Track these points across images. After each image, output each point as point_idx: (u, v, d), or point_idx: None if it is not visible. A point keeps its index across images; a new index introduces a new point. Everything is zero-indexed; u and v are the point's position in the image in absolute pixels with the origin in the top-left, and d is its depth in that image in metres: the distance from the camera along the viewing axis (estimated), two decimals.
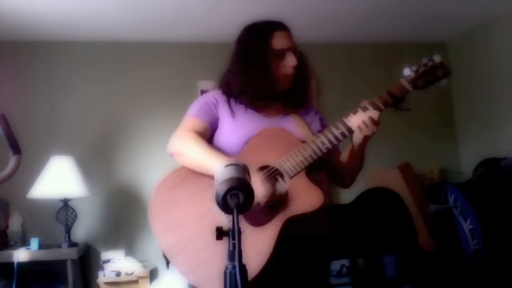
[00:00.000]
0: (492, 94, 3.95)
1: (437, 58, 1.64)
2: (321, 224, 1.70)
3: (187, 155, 1.65)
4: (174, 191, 1.64)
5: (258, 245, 1.50)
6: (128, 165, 3.89)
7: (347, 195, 3.86)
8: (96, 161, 3.81)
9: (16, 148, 2.59)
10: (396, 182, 3.63)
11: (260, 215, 1.54)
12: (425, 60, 1.64)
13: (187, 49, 4.06)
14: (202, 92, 3.94)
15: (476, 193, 3.46)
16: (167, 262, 1.60)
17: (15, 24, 3.54)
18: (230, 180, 1.17)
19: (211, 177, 1.58)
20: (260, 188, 1.52)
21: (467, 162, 4.17)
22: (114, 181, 3.86)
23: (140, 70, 4.00)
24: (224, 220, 1.55)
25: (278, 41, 1.71)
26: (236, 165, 1.25)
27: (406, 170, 3.71)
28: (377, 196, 3.47)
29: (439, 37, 4.32)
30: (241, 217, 1.51)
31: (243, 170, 1.24)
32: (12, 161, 2.58)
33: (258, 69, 1.68)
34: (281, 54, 1.70)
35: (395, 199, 3.43)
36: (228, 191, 1.14)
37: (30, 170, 3.33)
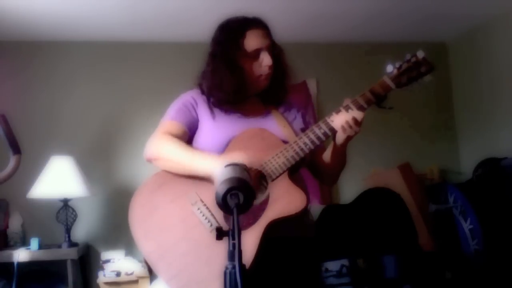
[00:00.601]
0: (492, 94, 3.95)
1: (420, 54, 1.59)
2: (305, 224, 1.68)
3: (167, 158, 1.62)
4: (154, 196, 1.61)
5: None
6: (128, 165, 3.89)
7: (347, 195, 3.86)
8: (96, 161, 3.81)
9: (16, 148, 2.59)
10: (396, 182, 3.62)
11: (244, 218, 1.51)
12: (408, 56, 1.60)
13: (187, 49, 4.05)
14: None
15: (476, 193, 3.46)
16: (149, 269, 1.58)
17: (15, 24, 3.54)
18: (230, 180, 1.17)
19: (193, 180, 1.57)
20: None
21: (467, 162, 4.17)
22: (114, 181, 3.85)
23: (140, 70, 4.00)
24: (206, 224, 1.53)
25: (251, 41, 1.66)
26: (236, 165, 1.25)
27: (406, 170, 3.71)
28: (377, 196, 3.47)
29: (439, 37, 4.32)
30: (223, 220, 1.50)
31: (243, 170, 1.24)
32: (12, 161, 2.58)
33: (227, 73, 1.65)
34: (254, 55, 1.66)
35: (395, 199, 3.43)
36: (228, 191, 1.14)
37: (30, 170, 3.33)
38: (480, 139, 4.08)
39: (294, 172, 1.61)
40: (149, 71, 4.01)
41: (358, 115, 1.56)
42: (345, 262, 3.51)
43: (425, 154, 4.19)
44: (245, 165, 1.28)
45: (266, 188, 1.56)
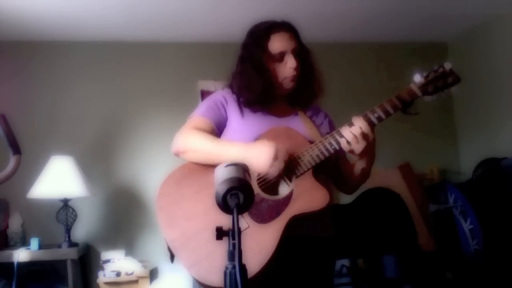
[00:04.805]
0: (492, 94, 3.95)
1: (447, 65, 1.65)
2: (326, 224, 1.70)
3: (195, 149, 1.65)
4: (180, 186, 1.65)
5: (262, 241, 1.52)
6: (128, 165, 3.89)
7: (347, 195, 3.86)
8: (96, 161, 3.81)
9: (16, 148, 2.59)
10: (396, 182, 3.63)
11: (266, 212, 1.55)
12: (435, 67, 1.66)
13: (187, 49, 4.06)
14: (202, 92, 3.94)
15: (476, 193, 3.46)
16: (172, 256, 1.61)
17: (15, 24, 3.54)
18: (230, 180, 1.16)
19: None
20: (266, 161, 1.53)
21: (467, 162, 4.17)
22: (114, 181, 3.85)
23: (140, 70, 4.00)
24: (227, 217, 1.55)
25: (275, 44, 1.71)
26: (236, 165, 1.25)
27: (406, 170, 3.71)
28: (377, 196, 3.47)
29: (439, 37, 4.32)
30: (246, 213, 1.53)
31: (243, 170, 1.24)
32: (12, 161, 2.58)
33: (254, 75, 1.70)
34: (279, 57, 1.71)
35: (395, 199, 3.43)
36: (228, 191, 1.14)
37: (30, 170, 3.33)
38: (480, 139, 4.08)
39: (320, 173, 1.63)
40: (149, 71, 4.01)
41: (365, 127, 1.56)
42: (345, 262, 3.51)
43: (425, 154, 4.19)
44: (245, 165, 1.28)
45: (290, 184, 1.59)
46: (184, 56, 4.05)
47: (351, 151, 1.60)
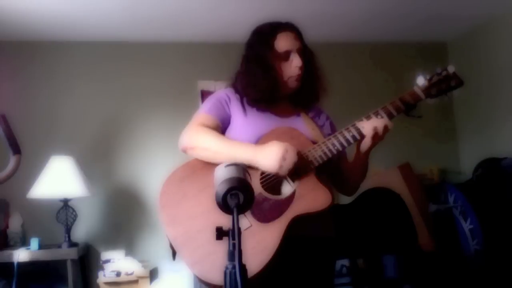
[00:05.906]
0: (492, 94, 3.95)
1: (450, 69, 1.66)
2: (326, 224, 1.71)
3: (204, 147, 1.66)
4: (182, 184, 1.65)
5: (263, 241, 1.52)
6: (128, 165, 3.89)
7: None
8: (96, 161, 3.81)
9: (16, 148, 2.59)
10: (396, 182, 3.62)
11: (269, 212, 1.56)
12: (438, 70, 1.67)
13: (187, 49, 4.06)
14: (202, 92, 3.94)
15: (476, 193, 3.46)
16: (174, 253, 1.61)
17: (15, 24, 3.54)
18: (230, 180, 1.17)
19: None
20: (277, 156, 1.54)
21: (467, 162, 4.17)
22: (114, 181, 3.86)
23: (140, 70, 4.00)
24: (229, 216, 1.56)
25: (282, 43, 1.72)
26: (236, 165, 1.25)
27: (406, 170, 3.71)
28: (377, 196, 3.47)
29: (439, 37, 4.32)
30: (248, 213, 1.54)
31: (243, 170, 1.24)
32: (12, 161, 2.58)
33: (260, 73, 1.71)
34: (285, 56, 1.72)
35: (395, 199, 3.43)
36: (228, 191, 1.14)
37: (30, 170, 3.33)
38: (480, 139, 4.08)
39: (322, 174, 1.64)
40: (149, 71, 4.01)
41: (390, 124, 1.61)
42: (345, 262, 3.51)
43: (425, 154, 4.18)
44: (245, 165, 1.28)
45: (292, 184, 1.60)
46: (184, 56, 4.05)
47: (374, 137, 1.62)
